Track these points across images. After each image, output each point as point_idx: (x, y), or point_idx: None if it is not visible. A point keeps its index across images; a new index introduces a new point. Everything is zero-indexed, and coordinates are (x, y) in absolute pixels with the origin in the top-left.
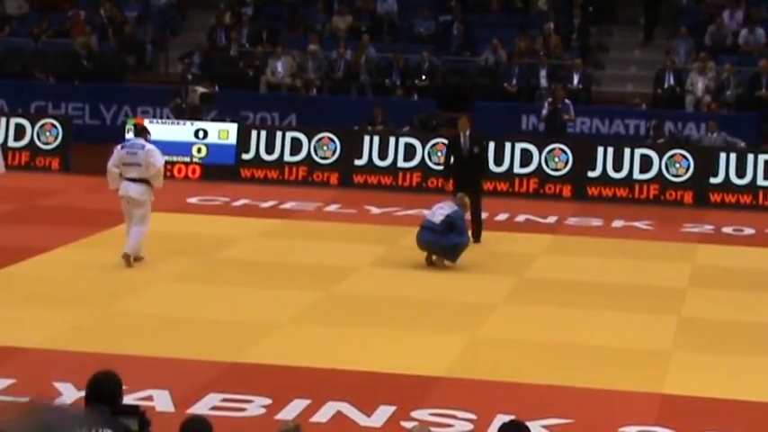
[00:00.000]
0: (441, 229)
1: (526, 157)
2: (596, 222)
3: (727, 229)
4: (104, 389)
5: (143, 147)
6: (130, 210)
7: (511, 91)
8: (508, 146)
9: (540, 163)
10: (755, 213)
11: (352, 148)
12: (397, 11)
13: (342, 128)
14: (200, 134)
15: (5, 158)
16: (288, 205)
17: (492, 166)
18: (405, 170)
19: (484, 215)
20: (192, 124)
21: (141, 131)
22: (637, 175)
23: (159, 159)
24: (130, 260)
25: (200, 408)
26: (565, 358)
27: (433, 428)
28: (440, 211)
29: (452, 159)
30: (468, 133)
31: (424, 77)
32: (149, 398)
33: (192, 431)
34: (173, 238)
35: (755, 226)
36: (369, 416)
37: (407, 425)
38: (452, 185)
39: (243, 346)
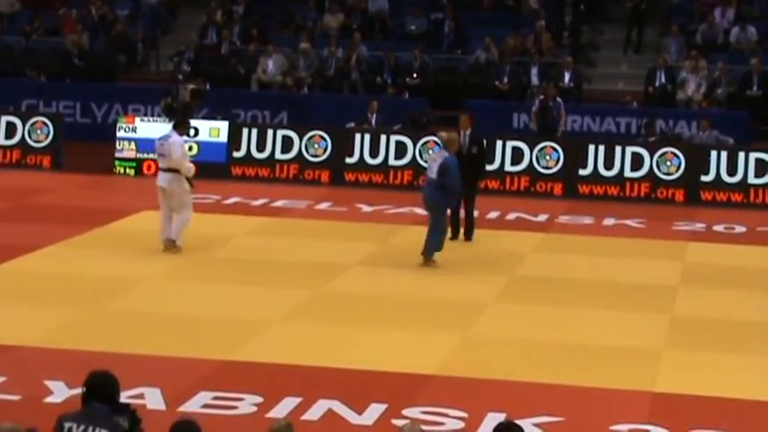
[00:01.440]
0: (436, 182)
1: (517, 155)
2: (587, 220)
3: (719, 227)
4: (103, 388)
5: (168, 138)
6: (164, 199)
7: (502, 89)
8: (499, 144)
9: (531, 161)
10: (746, 211)
11: (343, 146)
12: (389, 9)
13: (333, 126)
14: (191, 132)
15: None
16: (279, 203)
17: None
18: (396, 168)
19: (475, 213)
20: None
21: (176, 125)
22: (628, 173)
23: (176, 151)
24: (174, 244)
25: (192, 406)
26: (556, 356)
27: (424, 426)
28: (434, 165)
29: None
30: (468, 133)
31: (415, 76)
32: (141, 396)
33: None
34: None
35: (746, 224)
36: (360, 414)
37: (399, 423)
38: None
39: (234, 343)
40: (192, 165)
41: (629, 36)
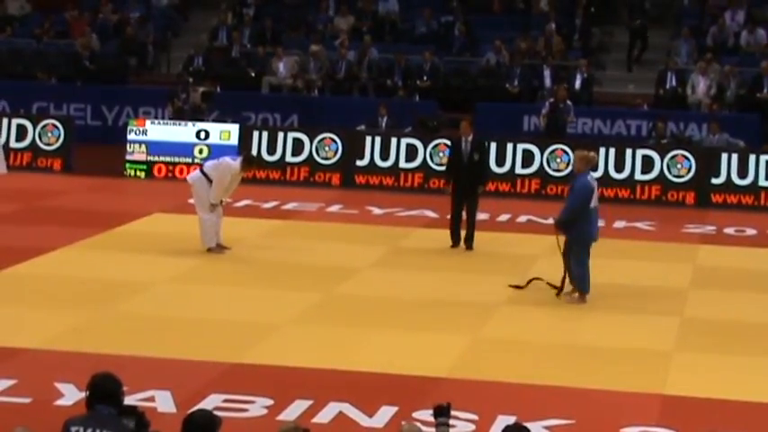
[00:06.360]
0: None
1: (528, 158)
2: (598, 223)
3: (729, 230)
4: (106, 390)
5: (228, 160)
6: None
7: (512, 92)
8: (510, 146)
9: (541, 164)
10: (757, 214)
11: (353, 148)
12: (399, 11)
13: (343, 128)
14: (202, 135)
15: (7, 159)
16: (289, 206)
17: (493, 167)
18: (406, 171)
19: (485, 216)
20: (193, 125)
21: (246, 160)
22: (638, 176)
23: (219, 170)
24: (219, 250)
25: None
26: (566, 359)
27: (433, 429)
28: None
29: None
30: (470, 139)
31: (425, 78)
32: (151, 398)
33: (197, 418)
34: (174, 239)
35: (757, 227)
36: (370, 416)
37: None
38: (452, 188)
39: (244, 346)
40: (218, 195)
41: (630, 52)
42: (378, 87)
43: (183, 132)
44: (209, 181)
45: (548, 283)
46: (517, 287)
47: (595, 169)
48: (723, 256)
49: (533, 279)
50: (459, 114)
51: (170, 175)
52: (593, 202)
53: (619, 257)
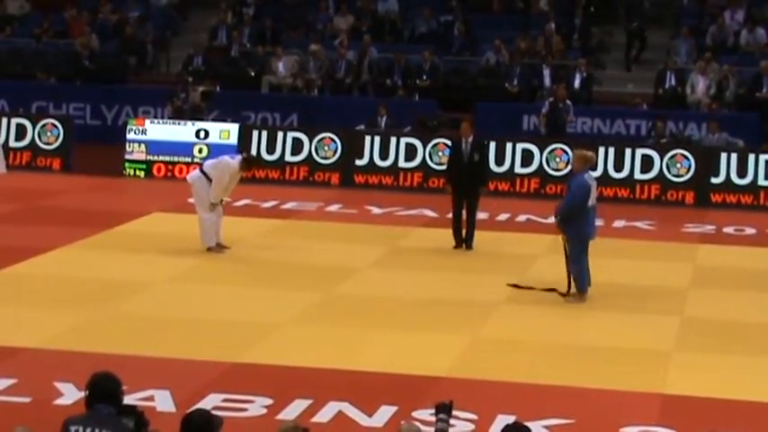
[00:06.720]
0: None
1: (527, 158)
2: (597, 222)
3: (729, 230)
4: (105, 390)
5: (227, 157)
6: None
7: (512, 91)
8: (509, 146)
9: (541, 163)
10: (756, 213)
11: (353, 148)
12: (398, 11)
13: (343, 128)
14: (202, 134)
15: (7, 159)
16: (289, 205)
17: (493, 167)
18: (406, 170)
19: (485, 215)
20: (193, 124)
21: (246, 160)
22: (638, 176)
23: (219, 168)
24: (218, 250)
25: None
26: (566, 358)
27: (432, 429)
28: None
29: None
30: (470, 140)
31: (425, 78)
32: (150, 398)
33: (195, 418)
34: (173, 238)
35: (756, 226)
36: (370, 416)
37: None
38: (453, 189)
39: (244, 346)
40: (218, 194)
41: (628, 52)
42: (377, 87)
43: (182, 132)
44: (209, 180)
45: (547, 290)
46: (516, 286)
47: (595, 168)
48: (723, 256)
49: (531, 288)
50: (458, 114)
51: (169, 174)
52: (591, 201)
53: (618, 257)
